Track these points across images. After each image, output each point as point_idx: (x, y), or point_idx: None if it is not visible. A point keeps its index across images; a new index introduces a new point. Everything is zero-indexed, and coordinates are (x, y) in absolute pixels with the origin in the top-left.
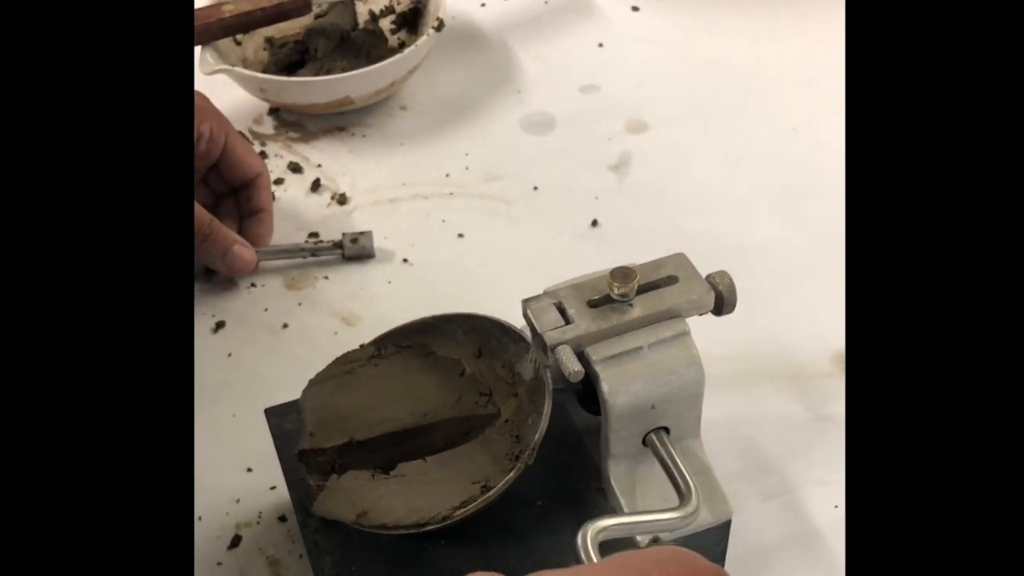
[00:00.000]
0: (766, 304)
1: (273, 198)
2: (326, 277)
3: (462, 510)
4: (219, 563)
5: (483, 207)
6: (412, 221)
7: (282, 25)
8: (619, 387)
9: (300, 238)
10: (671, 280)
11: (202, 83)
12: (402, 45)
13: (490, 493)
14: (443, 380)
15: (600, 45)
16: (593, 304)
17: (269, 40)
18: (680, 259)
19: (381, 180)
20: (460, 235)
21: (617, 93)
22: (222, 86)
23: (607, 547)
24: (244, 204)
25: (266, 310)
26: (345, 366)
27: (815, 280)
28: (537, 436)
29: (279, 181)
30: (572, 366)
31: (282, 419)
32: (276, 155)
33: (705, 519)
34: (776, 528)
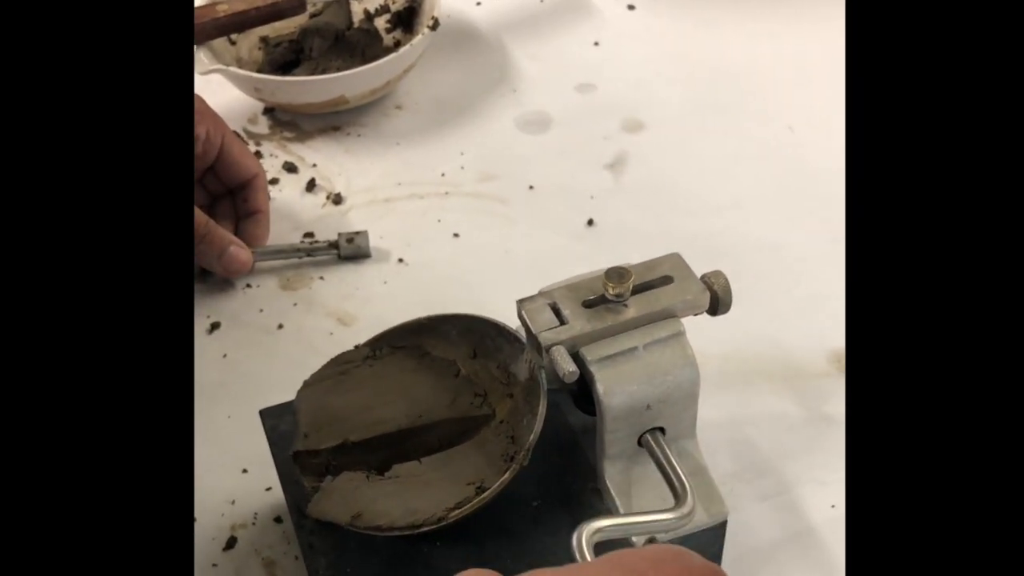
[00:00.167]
0: (762, 304)
1: (268, 199)
2: (321, 277)
3: (457, 511)
4: (215, 564)
5: (479, 207)
6: (408, 221)
7: (277, 24)
8: (614, 388)
9: (295, 238)
10: (666, 280)
11: (197, 83)
12: (397, 44)
13: (485, 494)
14: (438, 381)
15: (596, 44)
16: (588, 304)
17: (264, 39)
18: (675, 259)
19: (376, 180)
20: (456, 235)
21: (613, 92)
22: (217, 86)
23: (603, 548)
24: (241, 205)
25: (261, 311)
26: (340, 367)
27: (811, 279)
28: (532, 437)
29: (274, 181)
30: (567, 367)
31: (277, 420)
32: (271, 155)
33: (701, 519)
34: (772, 528)
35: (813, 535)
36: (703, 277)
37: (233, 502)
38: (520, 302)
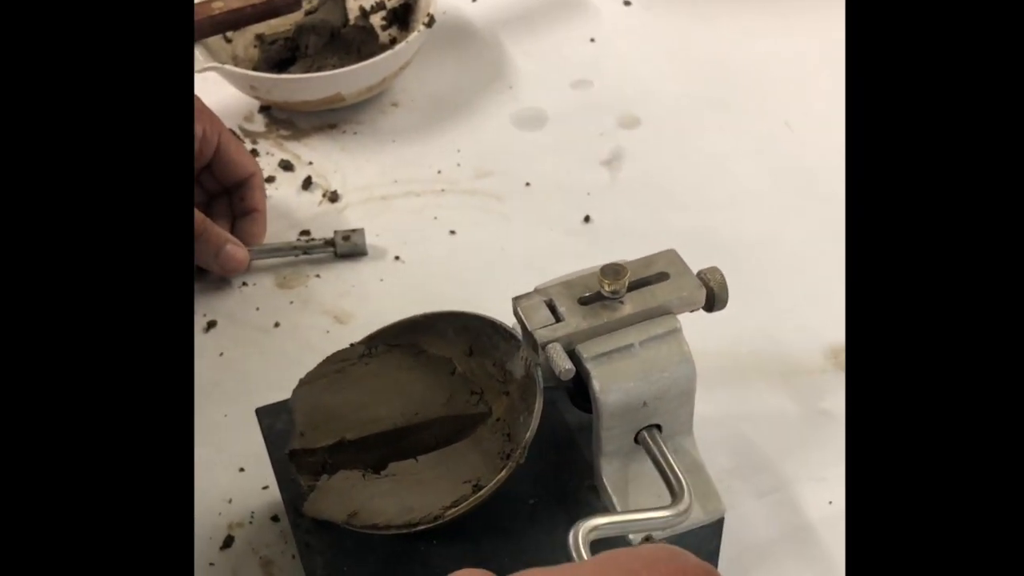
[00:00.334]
0: (759, 300)
1: (265, 197)
2: (318, 275)
3: (453, 510)
4: (212, 563)
5: (475, 204)
6: (404, 218)
7: (272, 22)
8: (610, 385)
9: (291, 236)
10: (662, 277)
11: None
12: (393, 41)
13: (481, 492)
14: (434, 379)
15: (592, 40)
16: (584, 301)
17: (259, 37)
18: (671, 255)
19: (373, 177)
20: (452, 232)
21: (609, 88)
22: (212, 84)
23: (600, 545)
24: (237, 204)
25: (258, 309)
26: (335, 365)
27: (808, 275)
28: (528, 434)
29: (270, 179)
30: (563, 364)
31: (274, 419)
32: (267, 153)
33: (698, 516)
34: (770, 525)
35: (811, 532)
36: (699, 273)
37: (230, 501)
38: (516, 299)
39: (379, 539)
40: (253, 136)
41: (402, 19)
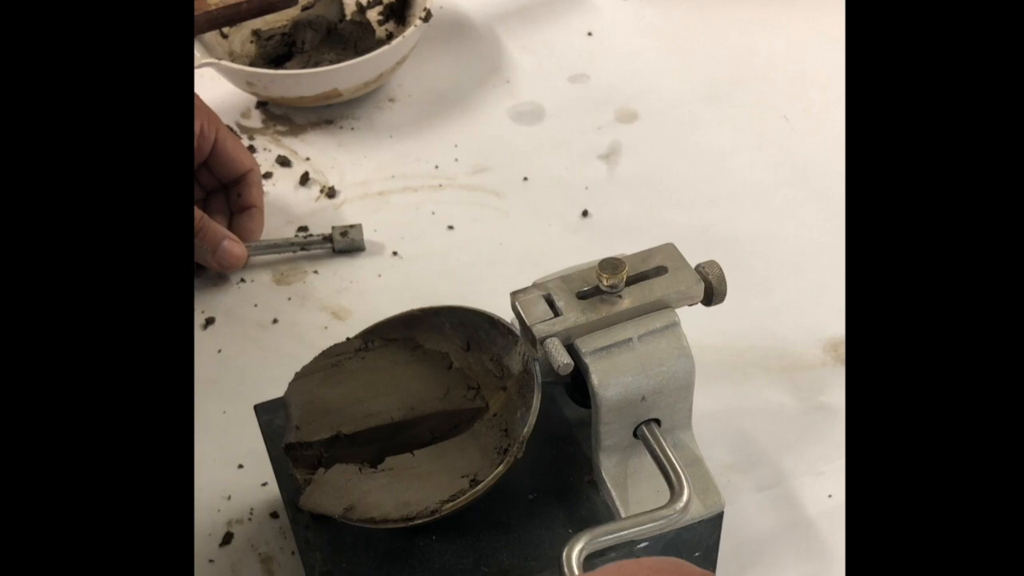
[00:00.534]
0: (757, 294)
1: (263, 194)
2: (316, 271)
3: (451, 504)
4: (211, 560)
5: (473, 199)
6: (402, 214)
7: (269, 17)
8: (609, 379)
9: (289, 232)
10: (660, 271)
11: None
12: (390, 36)
13: (479, 487)
14: (431, 373)
15: (589, 34)
16: (582, 296)
17: (256, 33)
18: (669, 249)
19: (370, 173)
20: (450, 227)
21: (607, 83)
22: (209, 80)
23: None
24: (235, 200)
25: (256, 305)
26: (331, 359)
27: (807, 269)
28: (526, 429)
29: (268, 175)
30: (561, 359)
31: (272, 415)
32: (264, 149)
33: (697, 511)
34: (769, 519)
35: (810, 525)
36: (697, 267)
37: (229, 498)
38: (514, 294)
39: (378, 535)
40: (250, 132)
41: (399, 14)
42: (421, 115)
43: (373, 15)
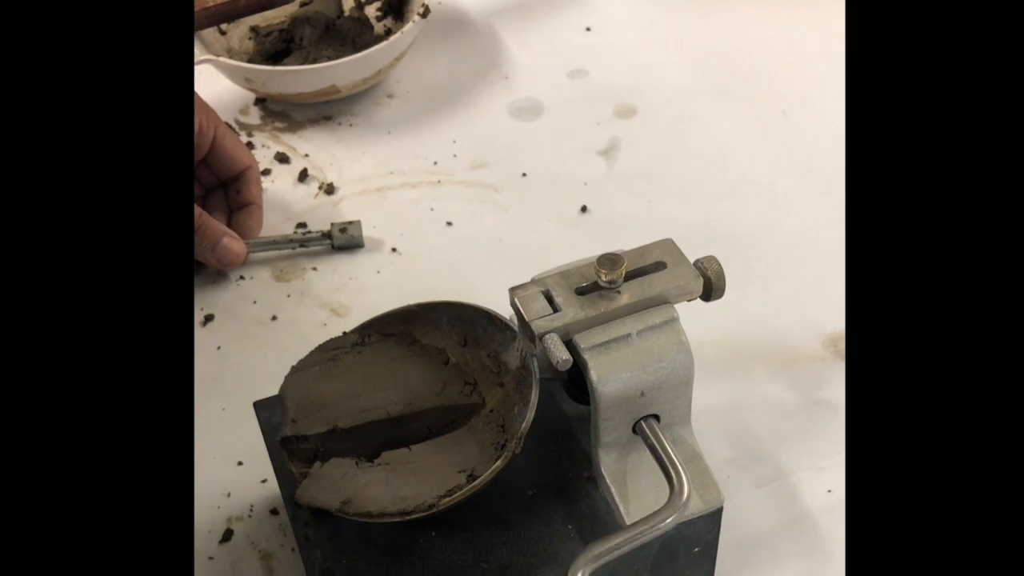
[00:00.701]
0: (756, 289)
1: (261, 191)
2: (315, 268)
3: (448, 498)
4: (211, 557)
5: (471, 195)
6: (400, 210)
7: (267, 14)
8: (608, 375)
9: (288, 229)
10: (659, 266)
11: None
12: (388, 32)
13: (476, 482)
14: (427, 369)
15: (588, 29)
16: (581, 291)
17: (254, 29)
18: (668, 244)
19: (369, 169)
20: (449, 223)
21: (605, 78)
22: (207, 76)
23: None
24: (234, 197)
25: (255, 302)
26: (328, 353)
27: (806, 264)
28: (524, 425)
29: (266, 172)
30: (560, 355)
31: (271, 412)
32: (263, 145)
33: (697, 507)
34: (769, 514)
35: (809, 521)
36: (696, 262)
37: (229, 495)
38: (513, 290)
39: (378, 531)
40: (249, 129)
41: (397, 10)
42: (419, 111)
43: (371, 11)
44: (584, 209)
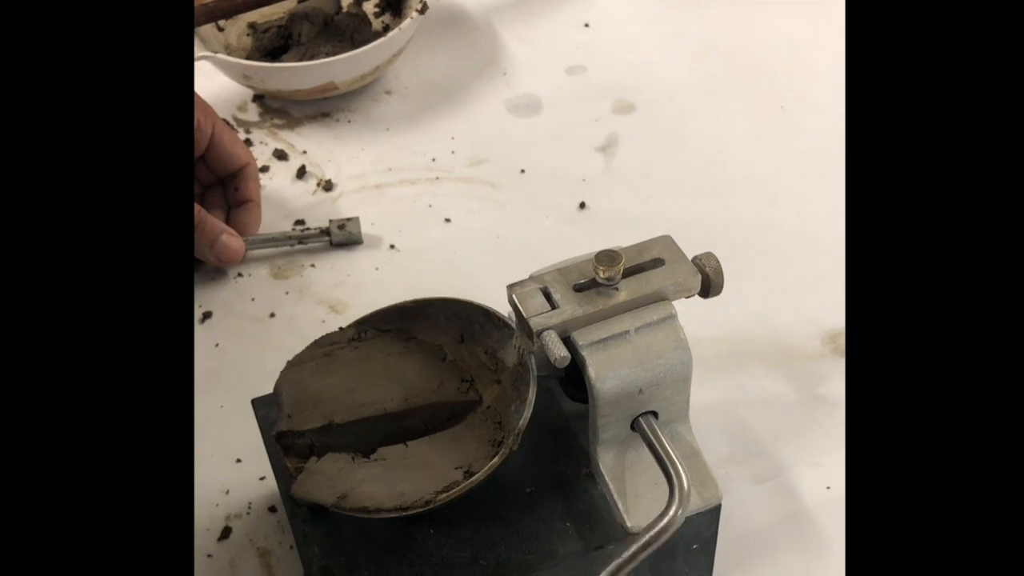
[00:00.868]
0: (755, 286)
1: (260, 188)
2: (313, 265)
3: (445, 495)
4: (209, 555)
5: (470, 191)
6: (398, 207)
7: (265, 10)
8: (606, 372)
9: (286, 226)
10: (657, 263)
11: None
12: (386, 29)
13: (473, 478)
14: (424, 365)
15: (586, 25)
16: (579, 288)
17: (252, 26)
18: (666, 241)
19: (367, 166)
20: (447, 220)
21: (604, 74)
22: (205, 73)
23: None
24: (232, 194)
25: (253, 299)
26: (324, 348)
27: (804, 261)
28: (521, 422)
29: (264, 168)
30: (558, 352)
31: (270, 409)
32: (261, 142)
33: (695, 503)
34: (767, 511)
35: (808, 517)
36: (694, 259)
37: (227, 492)
38: (511, 287)
39: (375, 528)
40: (247, 126)
41: (395, 6)
42: (418, 108)
43: (369, 7)
44: (582, 205)
